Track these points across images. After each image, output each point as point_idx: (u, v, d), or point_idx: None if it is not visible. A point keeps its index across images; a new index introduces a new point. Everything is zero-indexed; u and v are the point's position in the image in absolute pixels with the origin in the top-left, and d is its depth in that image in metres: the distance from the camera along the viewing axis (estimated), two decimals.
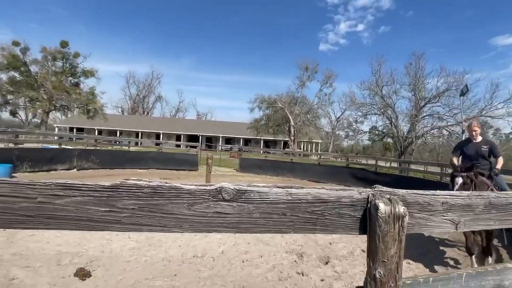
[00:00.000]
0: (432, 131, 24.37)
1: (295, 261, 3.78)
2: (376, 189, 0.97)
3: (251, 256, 3.80)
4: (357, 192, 0.95)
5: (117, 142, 20.50)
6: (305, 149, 43.08)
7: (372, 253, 0.91)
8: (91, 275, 3.02)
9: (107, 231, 0.87)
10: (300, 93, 36.27)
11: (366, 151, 45.82)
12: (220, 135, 42.98)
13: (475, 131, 4.20)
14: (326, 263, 3.78)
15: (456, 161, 4.11)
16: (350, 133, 33.89)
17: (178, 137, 43.10)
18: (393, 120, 25.46)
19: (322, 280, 3.29)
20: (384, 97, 25.80)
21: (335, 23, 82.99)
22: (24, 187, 0.80)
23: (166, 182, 0.87)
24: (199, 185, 0.89)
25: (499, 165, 4.01)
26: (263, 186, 0.93)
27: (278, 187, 0.94)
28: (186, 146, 22.18)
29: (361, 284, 0.98)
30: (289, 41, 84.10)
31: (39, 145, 12.59)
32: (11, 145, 10.08)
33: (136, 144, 18.22)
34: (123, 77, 78.99)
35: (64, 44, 31.67)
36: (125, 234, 4.06)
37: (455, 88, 22.11)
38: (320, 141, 43.02)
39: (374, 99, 26.56)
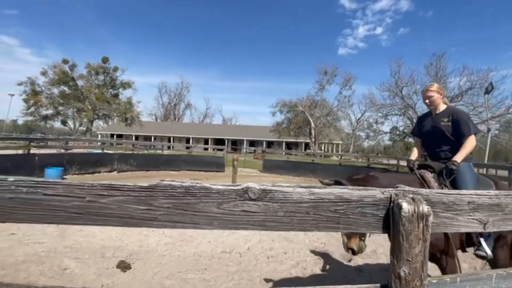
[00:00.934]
0: None
1: (319, 258, 3.70)
2: (399, 188, 0.93)
3: (276, 253, 3.78)
4: (379, 192, 0.92)
5: (152, 147, 21.30)
6: (326, 150, 42.26)
7: (396, 252, 0.87)
8: (131, 267, 3.15)
9: (145, 227, 0.91)
10: (320, 97, 35.73)
11: (387, 151, 44.03)
12: (245, 138, 43.29)
13: (428, 97, 2.54)
14: (349, 260, 3.67)
15: (415, 151, 2.69)
16: (371, 134, 32.81)
17: (206, 141, 43.98)
18: (414, 120, 24.29)
19: (344, 277, 3.20)
20: (404, 98, 24.72)
21: (354, 28, 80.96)
22: (75, 188, 0.86)
23: (197, 183, 0.89)
24: (227, 185, 0.90)
25: (462, 152, 2.25)
26: (287, 186, 0.93)
27: (301, 187, 0.93)
28: (214, 149, 22.52)
29: (386, 282, 0.95)
30: (309, 47, 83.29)
31: (85, 150, 13.39)
32: (62, 150, 10.82)
33: (169, 148, 18.84)
34: (156, 88, 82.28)
35: (105, 59, 33.60)
36: (160, 230, 4.19)
37: (479, 86, 20.73)
38: (340, 142, 41.98)
39: (394, 100, 25.57)
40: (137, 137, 42.32)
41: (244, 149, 37.37)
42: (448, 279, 0.99)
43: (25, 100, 31.03)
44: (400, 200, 0.86)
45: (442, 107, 2.54)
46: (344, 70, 37.76)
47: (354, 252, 1.86)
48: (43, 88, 31.56)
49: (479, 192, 1.00)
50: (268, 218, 0.88)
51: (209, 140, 43.35)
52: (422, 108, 25.03)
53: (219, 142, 41.51)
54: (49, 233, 4.00)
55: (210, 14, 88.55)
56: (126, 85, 35.06)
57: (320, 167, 13.79)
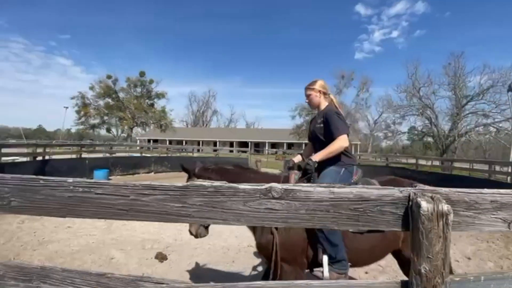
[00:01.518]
0: (477, 128, 21.32)
1: None
2: (417, 187, 0.89)
3: None
4: (397, 191, 0.89)
5: (184, 150, 21.96)
6: None
7: (416, 249, 0.84)
8: (167, 258, 3.26)
9: (180, 223, 0.95)
10: (338, 100, 34.91)
11: (406, 151, 41.87)
12: (266, 141, 43.31)
13: (306, 96, 2.24)
14: None
15: (298, 156, 2.39)
16: (389, 134, 31.36)
17: (231, 144, 44.54)
18: (433, 119, 22.95)
19: (366, 272, 3.09)
20: (422, 98, 23.42)
21: (370, 33, 78.14)
22: (121, 188, 0.92)
23: (225, 183, 0.91)
24: (252, 185, 0.92)
25: (323, 152, 1.94)
26: (308, 186, 0.92)
27: (321, 186, 0.92)
28: (238, 151, 22.77)
29: (406, 278, 0.91)
30: (326, 53, 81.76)
31: (127, 154, 14.11)
32: (107, 154, 11.49)
33: (198, 151, 19.31)
34: (186, 97, 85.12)
35: (142, 74, 35.29)
36: None
37: (502, 84, 19.11)
38: (358, 142, 40.58)
39: (411, 100, 24.30)
40: (170, 142, 43.85)
41: (266, 151, 37.39)
42: (472, 278, 0.93)
43: (77, 112, 33.40)
44: (419, 199, 0.82)
45: (322, 106, 2.20)
46: (361, 74, 36.50)
47: (194, 236, 1.85)
48: (91, 100, 33.80)
49: (502, 191, 0.93)
50: (290, 215, 0.88)
51: (234, 143, 43.86)
52: (440, 107, 23.58)
53: (243, 144, 41.85)
54: (98, 227, 4.26)
55: (233, 27, 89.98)
56: (160, 95, 36.55)
57: None
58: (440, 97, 23.04)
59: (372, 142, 43.74)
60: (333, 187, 0.92)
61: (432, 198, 0.83)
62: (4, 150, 7.48)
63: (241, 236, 4.06)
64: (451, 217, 0.81)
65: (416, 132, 26.51)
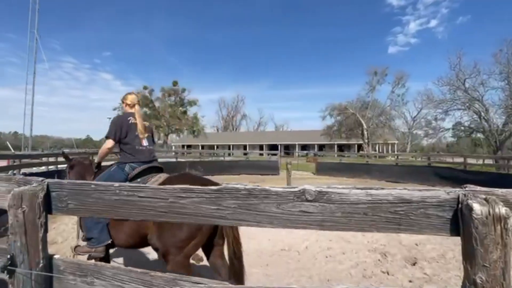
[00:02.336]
0: None
1: (379, 260, 3.40)
2: (467, 188, 0.81)
3: (334, 253, 3.61)
4: (444, 192, 0.82)
5: (215, 154, 22.62)
6: (380, 150, 38.92)
7: (469, 257, 0.76)
8: (203, 260, 3.35)
9: (215, 224, 0.98)
10: (371, 97, 33.23)
11: (451, 149, 38.32)
12: (296, 143, 42.75)
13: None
14: (413, 264, 3.28)
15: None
16: (430, 132, 28.94)
17: (261, 147, 44.78)
18: (482, 113, 20.73)
19: (410, 281, 2.87)
20: (468, 91, 21.30)
21: (404, 25, 73.45)
22: (160, 191, 0.98)
23: (258, 186, 0.92)
24: (285, 188, 0.91)
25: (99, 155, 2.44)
26: (342, 188, 0.89)
27: (357, 188, 0.88)
28: (268, 154, 22.79)
29: None
30: (357, 50, 78.65)
31: (163, 160, 14.91)
32: None
33: (229, 155, 19.74)
34: (216, 103, 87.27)
35: (175, 83, 37.27)
36: None
37: None
38: (396, 141, 38.17)
39: (455, 94, 22.22)
40: (202, 147, 45.47)
41: (297, 153, 36.83)
42: None
43: None
44: (470, 201, 0.75)
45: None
46: (396, 69, 34.66)
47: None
48: None
49: None
50: (325, 218, 0.86)
51: (264, 146, 44.02)
52: (491, 100, 21.20)
53: (273, 147, 41.80)
54: None
55: (260, 30, 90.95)
56: (192, 103, 38.22)
57: (375, 168, 12.74)
58: (491, 88, 20.73)
59: (411, 141, 40.82)
60: (370, 188, 0.88)
61: (486, 200, 0.75)
62: (60, 159, 8.36)
63: (274, 239, 4.05)
64: (510, 221, 0.73)
65: (462, 128, 24.12)
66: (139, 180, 2.19)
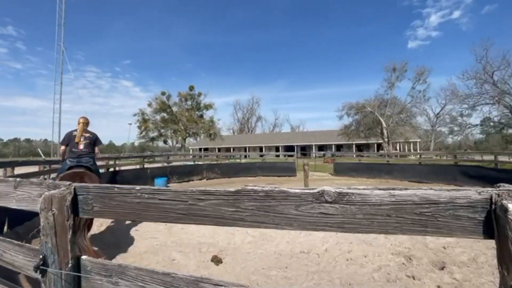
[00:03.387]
0: None
1: (403, 263, 3.26)
2: (501, 188, 0.76)
3: (355, 255, 3.50)
4: (475, 192, 0.77)
5: (232, 156, 22.80)
6: (401, 150, 37.49)
7: (505, 261, 0.71)
8: (222, 262, 3.39)
9: (234, 226, 0.98)
10: (390, 95, 32.10)
11: (480, 147, 36.16)
12: (313, 143, 42.17)
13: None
14: (442, 268, 3.11)
15: None
16: (455, 128, 27.51)
17: (277, 149, 44.63)
18: None
19: (438, 286, 2.72)
20: (497, 84, 20.04)
21: (424, 18, 70.57)
22: (180, 194, 0.99)
23: (275, 187, 0.92)
24: (303, 189, 0.90)
25: None
26: (364, 189, 0.87)
27: (379, 189, 0.85)
28: (284, 156, 22.65)
29: None
30: (374, 46, 76.60)
31: (181, 163, 15.23)
32: (165, 164, 12.58)
33: (245, 157, 19.81)
34: (231, 105, 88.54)
35: (191, 88, 38.08)
36: (244, 229, 4.40)
37: None
38: (418, 140, 36.61)
39: (482, 88, 21.00)
40: (219, 149, 46.04)
41: (314, 154, 36.33)
42: None
43: (139, 127, 37.63)
44: (505, 201, 0.70)
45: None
46: (416, 64, 33.19)
47: None
48: (149, 116, 37.72)
49: None
50: (346, 220, 0.84)
51: (280, 148, 43.82)
52: None
53: (289, 149, 41.54)
54: (160, 230, 4.67)
55: (274, 32, 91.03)
56: (208, 106, 38.86)
57: (397, 168, 12.27)
58: None
59: (435, 139, 38.98)
60: (393, 189, 0.85)
61: None
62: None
63: (292, 242, 4.00)
64: None
65: (492, 123, 22.68)
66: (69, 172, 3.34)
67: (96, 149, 3.88)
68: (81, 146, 3.67)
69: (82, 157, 3.62)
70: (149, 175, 10.19)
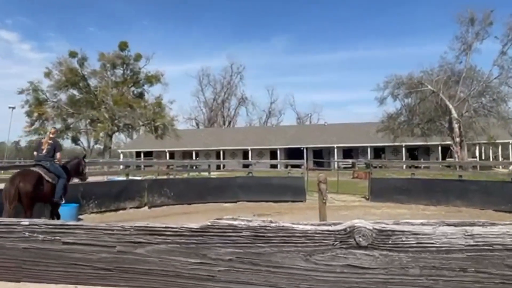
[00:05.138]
0: None
1: None
2: None
3: None
4: None
5: (194, 167, 22.69)
6: (483, 156, 38.55)
7: None
8: None
9: None
10: (465, 64, 32.98)
11: None
12: (335, 145, 42.70)
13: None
14: None
15: None
16: None
17: (273, 153, 44.86)
18: None
19: None
20: None
21: None
22: (102, 233, 0.97)
23: (271, 221, 0.91)
24: (318, 225, 0.91)
25: None
26: (421, 224, 0.88)
27: (447, 224, 0.87)
28: (286, 166, 22.77)
29: None
30: None
31: (105, 178, 15.04)
32: (75, 179, 12.34)
33: (218, 167, 19.78)
34: (194, 78, 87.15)
35: (123, 46, 37.63)
36: None
37: None
38: (511, 140, 37.83)
39: None
40: (172, 154, 45.72)
41: (336, 163, 36.72)
42: None
43: (28, 113, 36.73)
44: None
45: None
46: (509, 12, 34.18)
47: None
48: (47, 94, 36.88)
49: None
50: (393, 278, 0.85)
51: (278, 152, 44.09)
52: None
53: (294, 154, 41.81)
54: None
55: None
56: (152, 79, 38.52)
57: (474, 187, 12.62)
58: None
59: None
60: (471, 225, 0.87)
61: None
62: None
63: None
64: None
65: None
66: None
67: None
68: (44, 151, 8.43)
69: (43, 160, 8.39)
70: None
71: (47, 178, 8.07)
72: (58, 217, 8.36)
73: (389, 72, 35.23)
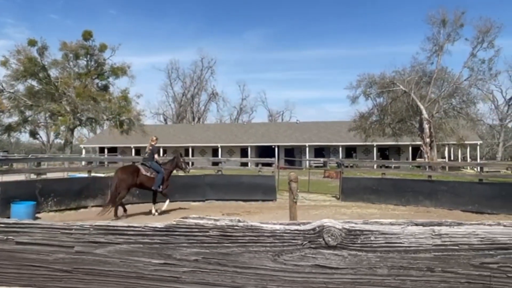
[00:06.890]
0: None
1: None
2: None
3: None
4: None
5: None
6: (452, 157, 39.88)
7: None
8: None
9: None
10: (436, 65, 33.99)
11: None
12: (307, 144, 43.16)
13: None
14: None
15: None
16: None
17: (243, 151, 44.91)
18: None
19: None
20: None
21: None
22: (59, 233, 0.95)
23: (240, 220, 0.91)
24: (287, 225, 0.91)
25: None
26: (390, 223, 0.90)
27: (415, 224, 0.89)
28: (257, 164, 22.80)
29: None
30: None
31: (65, 174, 14.63)
32: (32, 176, 11.96)
33: (188, 164, 19.53)
34: (163, 71, 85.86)
35: (87, 35, 36.68)
36: None
37: None
38: (479, 142, 39.31)
39: None
40: (138, 151, 44.92)
41: (307, 162, 37.10)
42: None
43: None
44: None
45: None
46: (479, 15, 35.45)
47: None
48: (3, 85, 35.55)
49: None
50: (360, 278, 0.86)
51: (249, 150, 44.16)
52: None
53: (265, 151, 42.05)
54: None
55: None
56: (118, 71, 37.77)
57: (443, 188, 13.03)
58: None
59: (505, 141, 42.13)
60: (439, 225, 0.89)
61: None
62: None
63: None
64: None
65: None
66: None
67: None
68: None
69: None
70: None
71: (144, 172, 11.28)
72: (154, 202, 11.54)
73: (362, 71, 35.81)
